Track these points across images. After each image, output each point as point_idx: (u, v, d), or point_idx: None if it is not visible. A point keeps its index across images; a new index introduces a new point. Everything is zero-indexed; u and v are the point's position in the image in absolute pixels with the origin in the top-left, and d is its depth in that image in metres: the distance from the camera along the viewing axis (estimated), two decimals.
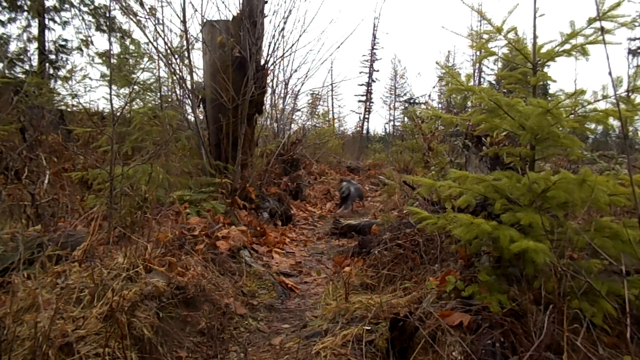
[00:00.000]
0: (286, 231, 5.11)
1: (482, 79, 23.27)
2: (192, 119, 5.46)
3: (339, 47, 8.77)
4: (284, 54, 6.15)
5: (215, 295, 2.48)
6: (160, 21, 5.03)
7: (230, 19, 5.16)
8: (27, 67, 9.77)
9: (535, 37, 2.17)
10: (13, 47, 10.31)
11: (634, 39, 15.42)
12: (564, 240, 1.75)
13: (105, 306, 1.79)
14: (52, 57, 10.71)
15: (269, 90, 7.27)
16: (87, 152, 5.60)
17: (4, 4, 9.89)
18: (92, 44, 10.97)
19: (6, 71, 8.60)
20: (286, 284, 3.18)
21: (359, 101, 28.41)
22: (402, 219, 3.39)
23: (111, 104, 3.47)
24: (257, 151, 6.37)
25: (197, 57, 6.49)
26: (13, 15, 10.12)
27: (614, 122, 2.02)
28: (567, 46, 2.09)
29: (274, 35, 5.50)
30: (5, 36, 10.07)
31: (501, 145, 2.73)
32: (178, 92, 5.74)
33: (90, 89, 8.77)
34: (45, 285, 1.91)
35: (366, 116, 27.29)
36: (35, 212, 3.02)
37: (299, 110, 10.62)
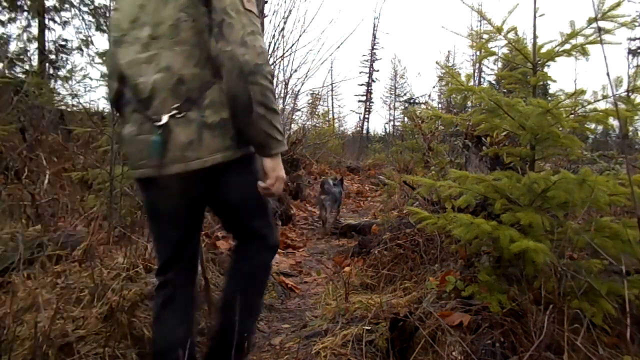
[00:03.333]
0: (286, 231, 5.10)
1: (482, 79, 23.26)
2: None
3: (339, 47, 8.73)
4: (284, 54, 6.16)
5: (215, 295, 2.48)
6: None
7: None
8: (27, 67, 9.75)
9: (535, 37, 2.17)
10: (13, 47, 10.31)
11: (634, 39, 15.43)
12: (564, 240, 1.75)
13: (105, 306, 1.79)
14: (52, 57, 10.69)
15: None
16: (87, 152, 5.60)
17: (4, 4, 9.87)
18: (92, 44, 10.95)
19: (6, 71, 8.58)
20: (286, 284, 3.18)
21: (359, 101, 28.45)
22: (402, 219, 3.38)
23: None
24: None
25: None
26: (13, 15, 10.11)
27: (614, 122, 2.02)
28: (567, 46, 2.09)
29: (274, 35, 5.51)
30: (5, 36, 10.07)
31: (501, 145, 2.73)
32: None
33: (90, 89, 8.73)
34: (45, 285, 1.91)
35: (366, 116, 27.35)
36: (35, 212, 3.01)
37: (299, 110, 10.58)
